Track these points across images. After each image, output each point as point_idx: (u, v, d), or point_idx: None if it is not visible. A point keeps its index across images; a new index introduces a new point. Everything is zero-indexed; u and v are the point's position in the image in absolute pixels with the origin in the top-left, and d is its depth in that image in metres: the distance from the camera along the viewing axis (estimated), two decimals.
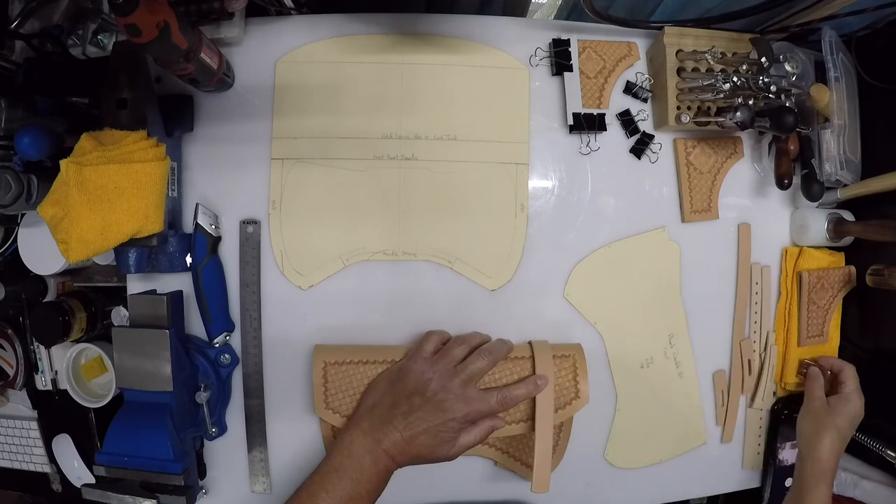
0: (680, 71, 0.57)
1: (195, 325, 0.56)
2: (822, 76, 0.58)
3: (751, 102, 0.54)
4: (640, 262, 0.60)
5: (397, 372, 0.52)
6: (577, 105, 0.59)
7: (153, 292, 0.55)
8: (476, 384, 0.51)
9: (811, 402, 0.58)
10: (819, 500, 0.53)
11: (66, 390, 0.69)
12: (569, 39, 0.59)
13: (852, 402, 0.56)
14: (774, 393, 0.63)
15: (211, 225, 0.55)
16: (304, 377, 0.57)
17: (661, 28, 0.57)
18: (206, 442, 0.57)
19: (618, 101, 0.60)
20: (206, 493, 0.57)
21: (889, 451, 0.57)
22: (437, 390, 0.49)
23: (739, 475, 0.64)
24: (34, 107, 0.53)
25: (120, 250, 0.50)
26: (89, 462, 0.73)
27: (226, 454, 0.57)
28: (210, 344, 0.55)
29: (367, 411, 0.50)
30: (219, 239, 0.56)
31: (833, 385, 0.59)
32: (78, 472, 0.73)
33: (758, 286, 0.62)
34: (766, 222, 0.63)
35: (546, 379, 0.53)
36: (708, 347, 0.62)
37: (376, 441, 0.47)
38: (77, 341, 0.68)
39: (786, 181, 0.57)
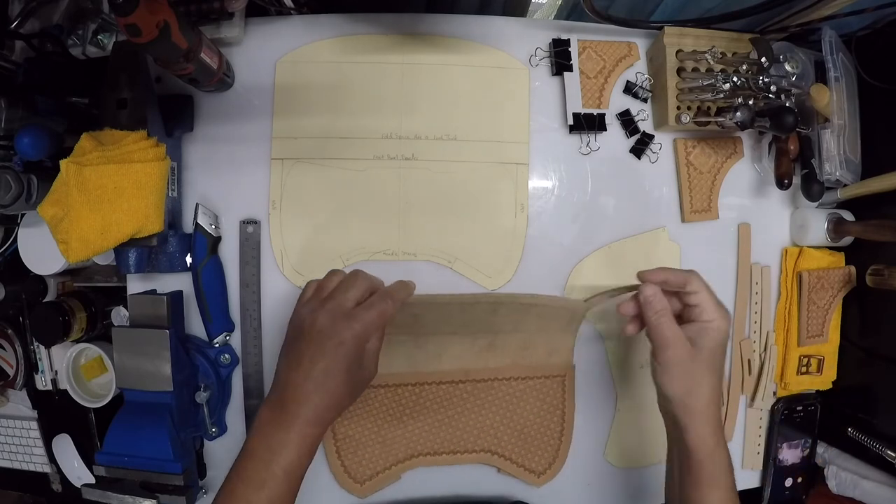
0: (680, 71, 0.57)
1: (195, 325, 0.56)
2: (822, 76, 0.58)
3: (751, 102, 0.54)
4: (640, 263, 0.60)
5: (288, 325, 0.44)
6: (577, 105, 0.59)
7: (153, 292, 0.55)
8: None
9: (670, 350, 0.43)
10: (725, 482, 0.43)
11: (66, 390, 0.69)
12: (569, 39, 0.59)
13: (719, 329, 0.44)
14: (774, 393, 0.63)
15: (211, 225, 0.55)
16: None
17: (661, 28, 0.57)
18: (206, 442, 0.57)
19: (618, 101, 0.60)
20: (205, 493, 0.57)
21: (889, 451, 0.57)
22: (324, 326, 0.41)
23: (739, 475, 0.63)
24: (34, 107, 0.53)
25: (120, 250, 0.50)
26: (89, 462, 0.73)
27: (226, 454, 0.57)
28: (210, 344, 0.55)
29: (273, 383, 0.43)
30: (219, 239, 0.56)
31: (680, 305, 0.46)
32: (78, 472, 0.73)
33: (758, 286, 0.62)
34: (766, 222, 0.63)
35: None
36: None
37: (282, 409, 0.40)
38: (77, 341, 0.68)
39: (786, 181, 0.57)
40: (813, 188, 0.59)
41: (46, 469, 0.76)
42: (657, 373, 0.45)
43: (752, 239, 0.62)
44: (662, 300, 0.45)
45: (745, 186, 0.62)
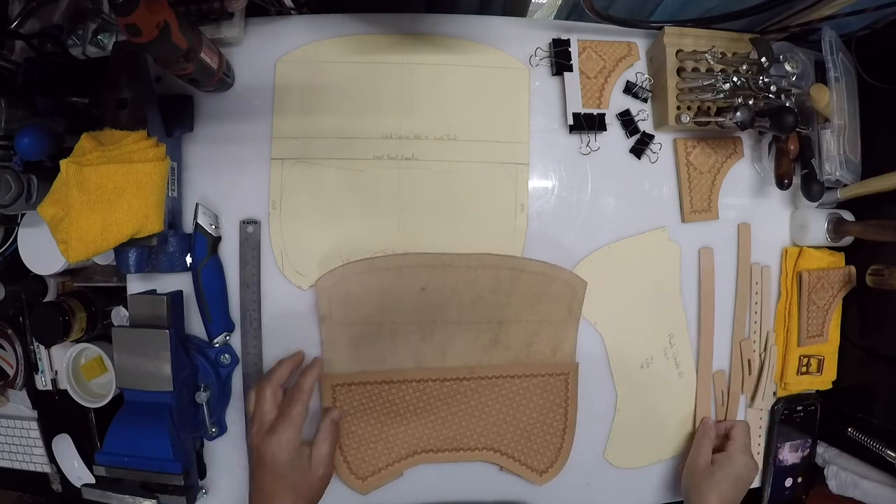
0: (680, 71, 0.57)
1: (195, 325, 0.56)
2: (822, 76, 0.58)
3: (751, 102, 0.54)
4: (640, 263, 0.60)
5: None
6: (577, 105, 0.59)
7: (153, 292, 0.55)
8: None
9: (695, 460, 0.57)
10: None
11: (66, 390, 0.69)
12: (569, 39, 0.59)
13: (736, 462, 0.55)
14: (774, 393, 0.63)
15: (211, 225, 0.55)
16: None
17: (661, 28, 0.57)
18: (206, 442, 0.57)
19: (618, 101, 0.60)
20: (206, 493, 0.57)
21: (889, 451, 0.57)
22: (258, 447, 0.48)
23: None
24: (34, 107, 0.53)
25: (120, 250, 0.50)
26: (89, 462, 0.73)
27: (226, 454, 0.57)
28: (210, 344, 0.55)
29: None
30: (219, 239, 0.56)
31: (724, 441, 0.59)
32: (78, 472, 0.73)
33: (758, 286, 0.62)
34: (766, 222, 0.63)
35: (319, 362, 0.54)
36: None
37: None
38: (77, 341, 0.68)
39: (786, 181, 0.57)
40: (813, 188, 0.59)
41: (46, 469, 0.76)
42: (683, 471, 0.58)
43: (752, 239, 0.62)
44: (713, 430, 0.59)
45: (745, 186, 0.62)
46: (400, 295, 0.56)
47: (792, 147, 0.59)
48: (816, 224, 0.60)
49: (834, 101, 0.56)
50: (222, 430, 0.56)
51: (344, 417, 0.55)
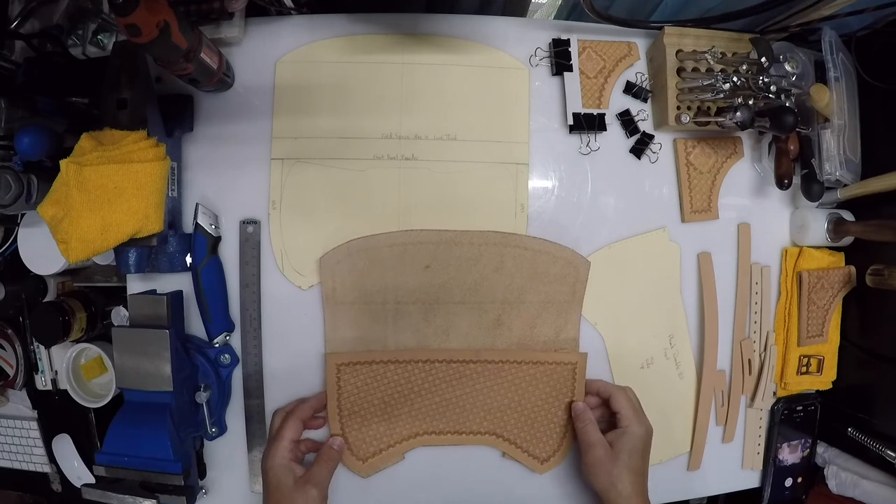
0: (680, 71, 0.57)
1: (195, 325, 0.56)
2: (822, 76, 0.58)
3: (751, 102, 0.54)
4: (640, 263, 0.60)
5: None
6: (577, 105, 0.59)
7: (153, 292, 0.55)
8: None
9: (592, 451, 0.52)
10: None
11: (66, 390, 0.69)
12: (569, 39, 0.59)
13: (634, 434, 0.52)
14: (774, 393, 0.63)
15: (211, 225, 0.55)
16: (304, 377, 0.57)
17: (661, 28, 0.57)
18: (206, 442, 0.57)
19: (618, 101, 0.60)
20: (206, 493, 0.57)
21: (889, 451, 0.57)
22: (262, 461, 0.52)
23: (739, 475, 0.64)
24: (34, 107, 0.54)
25: (120, 250, 0.50)
26: (89, 462, 0.73)
27: (226, 454, 0.57)
28: (210, 344, 0.55)
29: None
30: (219, 239, 0.56)
31: (610, 413, 0.56)
32: (78, 472, 0.73)
33: (758, 286, 0.62)
34: (766, 222, 0.63)
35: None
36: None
37: None
38: (77, 341, 0.68)
39: (786, 181, 0.57)
40: (813, 188, 0.59)
41: (46, 469, 0.76)
42: (584, 471, 0.53)
43: (752, 239, 0.62)
44: (588, 412, 0.56)
45: (745, 186, 0.62)
46: (403, 273, 0.56)
47: (792, 147, 0.59)
48: (816, 224, 0.60)
49: (834, 101, 0.56)
50: (222, 430, 0.56)
51: (344, 448, 0.56)
